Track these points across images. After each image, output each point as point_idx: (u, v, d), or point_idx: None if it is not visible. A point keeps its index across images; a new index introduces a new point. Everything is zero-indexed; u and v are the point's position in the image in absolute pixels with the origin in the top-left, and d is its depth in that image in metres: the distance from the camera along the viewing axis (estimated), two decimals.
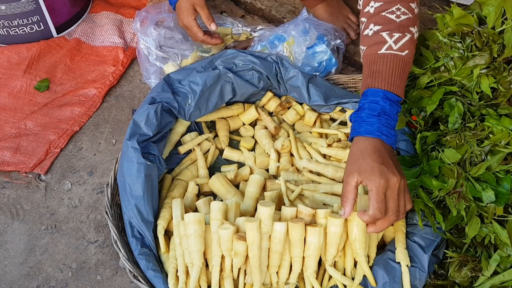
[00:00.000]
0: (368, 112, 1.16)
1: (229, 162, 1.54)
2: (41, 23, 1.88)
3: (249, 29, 1.87)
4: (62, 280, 1.42)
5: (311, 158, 1.48)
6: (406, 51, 1.19)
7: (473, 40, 1.23)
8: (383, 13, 1.21)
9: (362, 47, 1.26)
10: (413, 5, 1.23)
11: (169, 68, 1.71)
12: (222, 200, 1.40)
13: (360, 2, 1.29)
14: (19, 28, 1.87)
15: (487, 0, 1.18)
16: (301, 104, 1.59)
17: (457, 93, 1.30)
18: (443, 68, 1.29)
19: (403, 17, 1.21)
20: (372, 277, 1.22)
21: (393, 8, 1.21)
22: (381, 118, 1.15)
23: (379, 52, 1.19)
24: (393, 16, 1.21)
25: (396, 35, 1.19)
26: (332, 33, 1.72)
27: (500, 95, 1.25)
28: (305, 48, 1.63)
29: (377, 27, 1.21)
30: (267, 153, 1.50)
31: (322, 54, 1.66)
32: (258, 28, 1.87)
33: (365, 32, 1.24)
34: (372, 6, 1.24)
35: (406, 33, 1.19)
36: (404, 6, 1.22)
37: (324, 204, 1.38)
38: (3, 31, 1.87)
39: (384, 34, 1.20)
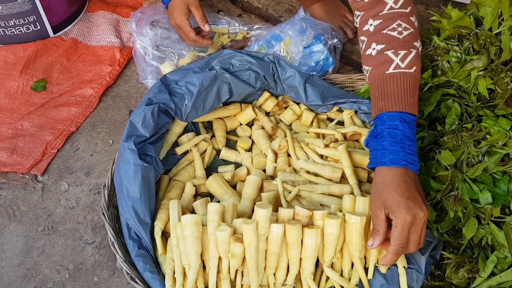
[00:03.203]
0: (390, 140, 1.12)
1: (226, 162, 1.54)
2: (37, 23, 1.88)
3: (246, 28, 1.86)
4: (59, 282, 1.41)
5: (308, 158, 1.48)
6: (414, 67, 1.16)
7: (470, 42, 1.23)
8: (384, 31, 1.17)
9: (366, 67, 1.22)
10: (412, 19, 1.19)
11: (166, 67, 1.71)
12: (219, 201, 1.40)
13: (357, 20, 1.24)
14: (16, 28, 1.86)
15: (484, 1, 1.18)
16: (298, 104, 1.59)
17: (455, 95, 1.30)
18: (439, 72, 1.29)
19: (405, 32, 1.17)
20: (367, 281, 1.22)
21: (394, 25, 1.17)
22: (404, 145, 1.12)
23: (387, 72, 1.16)
24: (395, 33, 1.16)
25: (402, 52, 1.15)
26: (329, 32, 1.72)
27: (498, 96, 1.24)
28: (302, 48, 1.62)
29: (380, 46, 1.17)
30: (264, 154, 1.50)
31: (319, 54, 1.66)
32: (255, 27, 1.86)
33: (368, 52, 1.21)
34: (371, 25, 1.20)
35: (411, 49, 1.16)
36: (405, 21, 1.18)
37: (321, 204, 1.38)
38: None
39: (389, 53, 1.16)
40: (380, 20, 1.18)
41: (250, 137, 1.57)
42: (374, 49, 1.19)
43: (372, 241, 1.13)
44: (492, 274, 1.16)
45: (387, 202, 1.09)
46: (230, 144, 1.58)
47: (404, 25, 1.17)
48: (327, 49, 1.67)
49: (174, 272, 1.23)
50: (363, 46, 1.23)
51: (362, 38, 1.23)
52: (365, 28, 1.21)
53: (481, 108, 1.27)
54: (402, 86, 1.14)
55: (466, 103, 1.29)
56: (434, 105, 1.27)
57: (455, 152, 1.23)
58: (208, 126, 1.61)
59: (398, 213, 1.07)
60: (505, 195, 1.16)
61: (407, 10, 1.18)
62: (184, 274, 1.23)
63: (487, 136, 1.21)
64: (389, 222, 1.12)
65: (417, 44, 1.18)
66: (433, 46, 1.28)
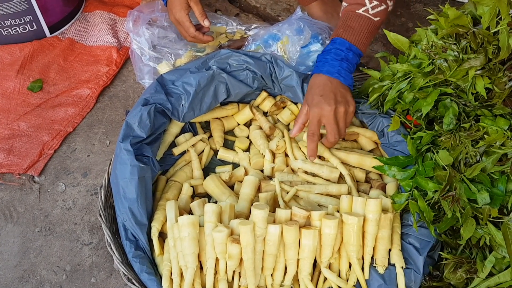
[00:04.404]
0: (333, 56, 1.37)
1: (224, 162, 1.53)
2: (34, 23, 1.87)
3: (243, 28, 1.85)
4: (56, 283, 1.41)
5: (306, 158, 1.47)
6: (378, 18, 1.39)
7: (468, 41, 1.22)
8: None
9: (344, 4, 1.44)
10: None
11: (163, 67, 1.70)
12: (216, 202, 1.39)
13: None
14: (12, 28, 1.85)
15: (482, 0, 1.17)
16: (296, 103, 1.58)
17: (452, 94, 1.29)
18: (437, 70, 1.29)
19: None
20: (364, 281, 1.21)
21: None
22: (343, 63, 1.36)
23: (356, 11, 1.39)
24: None
25: (375, 2, 1.38)
26: (327, 32, 1.71)
27: (495, 95, 1.24)
28: (299, 47, 1.62)
29: None
30: (262, 154, 1.49)
31: (317, 53, 1.65)
32: (252, 27, 1.85)
33: None
34: None
35: (383, 4, 1.39)
36: None
37: (319, 205, 1.37)
38: None
39: None
40: None
41: (247, 137, 1.57)
42: None
43: (291, 130, 1.40)
44: (490, 274, 1.15)
45: (307, 99, 1.36)
46: (228, 144, 1.58)
47: None
48: None
49: (171, 273, 1.23)
50: None
51: None
52: None
53: (479, 107, 1.26)
54: (362, 26, 1.38)
55: (463, 102, 1.28)
56: (431, 105, 1.27)
57: (453, 152, 1.22)
58: (206, 126, 1.61)
59: (310, 107, 1.34)
60: (503, 195, 1.16)
61: None
62: (181, 275, 1.22)
63: (485, 136, 1.20)
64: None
65: (390, 3, 1.40)
66: (430, 44, 1.28)
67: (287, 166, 1.48)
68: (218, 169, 1.50)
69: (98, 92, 1.79)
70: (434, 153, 1.26)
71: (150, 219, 1.32)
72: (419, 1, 2.03)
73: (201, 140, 1.53)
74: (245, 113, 1.57)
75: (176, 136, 1.53)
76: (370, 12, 1.38)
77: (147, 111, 1.38)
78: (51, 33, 1.93)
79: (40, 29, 1.90)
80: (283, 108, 1.59)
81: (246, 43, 1.70)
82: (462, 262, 1.19)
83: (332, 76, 1.35)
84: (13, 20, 1.83)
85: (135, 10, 1.76)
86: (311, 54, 1.65)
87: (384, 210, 1.27)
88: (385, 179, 1.43)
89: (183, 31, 1.64)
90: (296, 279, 1.25)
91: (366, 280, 1.23)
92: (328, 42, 1.68)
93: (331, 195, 1.39)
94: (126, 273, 1.24)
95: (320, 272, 1.26)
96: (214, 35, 1.83)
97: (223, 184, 1.42)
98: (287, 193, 1.39)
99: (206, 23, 1.62)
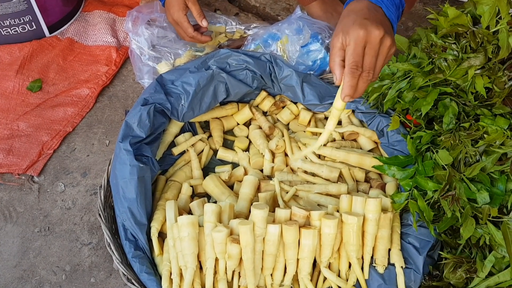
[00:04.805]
0: None
1: (223, 162, 1.53)
2: (33, 23, 1.87)
3: (243, 27, 1.85)
4: (55, 283, 1.41)
5: (306, 158, 1.47)
6: None
7: (467, 41, 1.22)
8: None
9: None
10: None
11: (162, 67, 1.70)
12: (216, 202, 1.39)
13: None
14: (11, 28, 1.85)
15: None
16: (295, 103, 1.58)
17: (452, 94, 1.29)
18: (437, 70, 1.28)
19: None
20: (364, 281, 1.21)
21: None
22: None
23: None
24: None
25: None
26: (327, 31, 1.71)
27: (495, 95, 1.24)
28: (299, 47, 1.62)
29: None
30: (262, 153, 1.49)
31: (317, 53, 1.65)
32: (252, 26, 1.86)
33: None
34: None
35: None
36: None
37: (318, 204, 1.37)
38: None
39: None
40: None
41: (247, 137, 1.57)
42: None
43: (334, 76, 1.04)
44: (490, 274, 1.15)
45: (345, 25, 1.02)
46: (227, 144, 1.58)
47: None
48: (324, 48, 1.66)
49: (170, 273, 1.23)
50: None
51: None
52: None
53: (479, 107, 1.26)
54: None
55: (463, 102, 1.28)
56: (431, 104, 1.27)
57: (453, 152, 1.22)
58: (205, 126, 1.61)
59: (351, 30, 1.00)
60: (503, 194, 1.16)
61: None
62: (181, 275, 1.22)
63: (485, 136, 1.20)
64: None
65: None
66: (430, 44, 1.28)
67: (286, 165, 1.48)
68: (218, 169, 1.49)
69: (98, 92, 1.78)
70: (433, 153, 1.25)
71: (150, 219, 1.32)
72: (419, 1, 2.03)
73: (200, 140, 1.53)
74: (245, 113, 1.57)
75: (176, 136, 1.53)
76: None
77: (146, 111, 1.38)
78: (50, 33, 1.93)
79: (39, 29, 1.89)
80: (283, 107, 1.59)
81: (245, 42, 1.70)
82: (462, 262, 1.19)
83: (375, 2, 1.06)
84: (12, 20, 1.83)
85: (134, 10, 1.76)
86: (310, 53, 1.65)
87: (384, 210, 1.27)
88: (385, 179, 1.43)
89: (181, 32, 1.65)
90: (295, 279, 1.24)
91: (366, 280, 1.23)
92: (327, 41, 1.69)
93: (330, 195, 1.39)
94: (125, 273, 1.24)
95: (319, 272, 1.26)
96: (213, 35, 1.83)
97: (223, 184, 1.42)
98: (287, 192, 1.39)
99: (204, 23, 1.62)
